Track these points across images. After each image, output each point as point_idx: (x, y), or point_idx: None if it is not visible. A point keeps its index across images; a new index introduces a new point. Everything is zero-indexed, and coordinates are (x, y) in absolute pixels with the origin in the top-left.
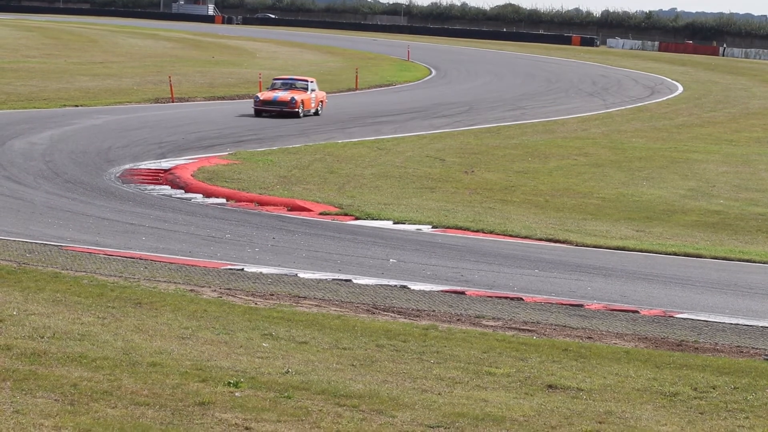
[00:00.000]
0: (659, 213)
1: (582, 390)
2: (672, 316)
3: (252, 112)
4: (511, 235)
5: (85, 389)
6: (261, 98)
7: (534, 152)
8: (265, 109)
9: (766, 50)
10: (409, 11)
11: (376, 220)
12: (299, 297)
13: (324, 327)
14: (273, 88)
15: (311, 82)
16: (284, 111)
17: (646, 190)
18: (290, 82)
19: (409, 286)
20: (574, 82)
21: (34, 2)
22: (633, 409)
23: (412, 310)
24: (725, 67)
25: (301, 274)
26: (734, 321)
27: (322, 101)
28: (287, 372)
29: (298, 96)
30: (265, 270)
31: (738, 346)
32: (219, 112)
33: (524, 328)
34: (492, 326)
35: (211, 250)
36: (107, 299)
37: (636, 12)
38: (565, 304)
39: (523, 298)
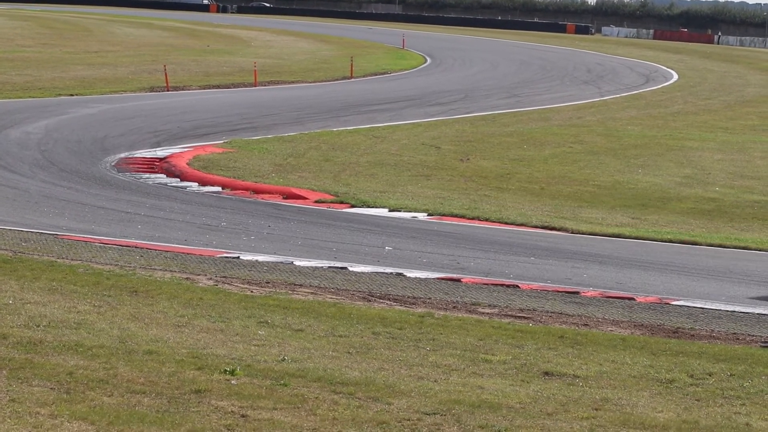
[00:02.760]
0: (655, 200)
1: (578, 377)
2: (668, 303)
3: None
4: (506, 223)
5: (81, 377)
6: None
7: (529, 140)
8: None
9: (760, 38)
10: (403, 0)
11: (372, 207)
12: (295, 285)
13: (320, 315)
14: None
15: None
16: None
17: (641, 178)
18: None
19: (404, 274)
20: (569, 70)
21: None
22: (629, 396)
23: (408, 297)
24: (720, 55)
25: (297, 262)
26: (730, 308)
27: None
28: (283, 359)
29: None
30: (260, 258)
31: (734, 333)
32: (214, 101)
33: (520, 315)
34: (488, 313)
35: (207, 238)
36: (103, 288)
37: (631, 0)
38: (561, 292)
39: (519, 285)
